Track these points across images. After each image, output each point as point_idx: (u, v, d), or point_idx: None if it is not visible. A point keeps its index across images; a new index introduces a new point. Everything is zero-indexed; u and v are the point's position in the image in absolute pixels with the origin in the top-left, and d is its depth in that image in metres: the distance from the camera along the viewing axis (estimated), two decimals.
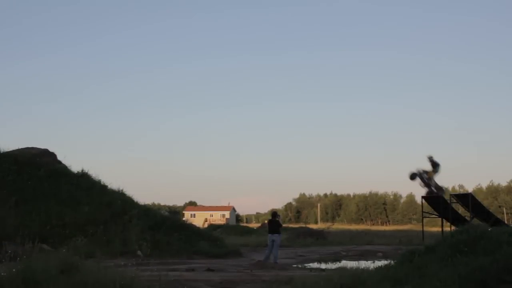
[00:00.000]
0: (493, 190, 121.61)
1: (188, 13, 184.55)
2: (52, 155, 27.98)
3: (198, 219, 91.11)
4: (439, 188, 20.69)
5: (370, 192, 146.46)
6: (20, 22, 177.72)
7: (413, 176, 20.62)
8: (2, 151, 26.04)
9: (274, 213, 21.46)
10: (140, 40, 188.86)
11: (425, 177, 20.64)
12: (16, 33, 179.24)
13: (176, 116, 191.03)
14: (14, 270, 8.77)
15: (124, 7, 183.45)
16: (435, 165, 20.71)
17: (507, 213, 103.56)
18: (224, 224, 68.85)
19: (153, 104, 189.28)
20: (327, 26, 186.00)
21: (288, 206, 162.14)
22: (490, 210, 32.24)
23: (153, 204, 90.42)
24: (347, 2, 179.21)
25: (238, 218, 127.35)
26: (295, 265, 20.22)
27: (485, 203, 55.95)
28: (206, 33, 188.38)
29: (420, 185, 21.13)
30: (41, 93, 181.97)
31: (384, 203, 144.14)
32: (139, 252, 20.08)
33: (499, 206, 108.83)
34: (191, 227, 26.88)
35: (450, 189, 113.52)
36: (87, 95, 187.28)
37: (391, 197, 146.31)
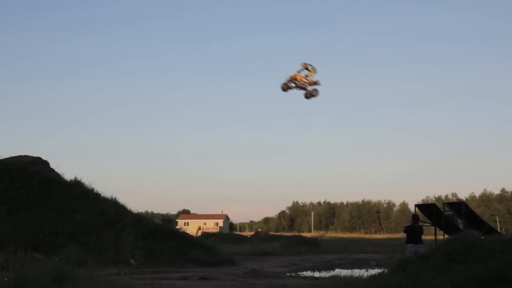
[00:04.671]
0: (485, 199, 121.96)
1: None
2: (45, 163, 27.85)
3: (191, 228, 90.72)
4: (314, 83, 19.67)
5: (363, 201, 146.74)
6: (15, 25, 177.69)
7: (284, 88, 19.66)
8: None
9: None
10: (133, 44, 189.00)
11: (296, 83, 19.77)
12: (9, 35, 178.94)
13: (169, 125, 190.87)
14: (6, 279, 8.72)
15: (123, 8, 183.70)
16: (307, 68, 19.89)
17: (499, 222, 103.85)
18: (217, 233, 68.69)
19: (147, 112, 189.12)
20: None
21: (282, 214, 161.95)
22: (483, 219, 32.30)
23: (146, 213, 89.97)
24: None
25: (231, 226, 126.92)
26: (288, 274, 20.18)
27: (478, 211, 56.07)
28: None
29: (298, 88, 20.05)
30: (34, 100, 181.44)
31: (378, 211, 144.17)
32: (132, 261, 20.02)
33: (492, 215, 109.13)
34: (184, 236, 26.80)
35: (443, 197, 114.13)
36: (80, 102, 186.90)
37: (385, 205, 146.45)
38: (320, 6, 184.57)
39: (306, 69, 18.79)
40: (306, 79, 18.70)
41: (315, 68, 18.91)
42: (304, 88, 18.77)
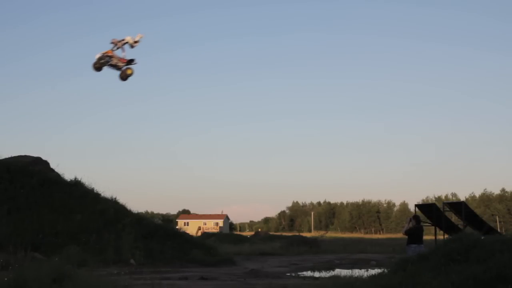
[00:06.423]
0: (485, 199, 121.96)
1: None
2: (45, 163, 27.84)
3: (191, 228, 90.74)
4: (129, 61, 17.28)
5: (363, 201, 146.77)
6: (15, 25, 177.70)
7: (97, 67, 17.08)
8: None
9: None
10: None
11: (109, 60, 17.28)
12: (9, 35, 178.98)
13: (169, 125, 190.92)
14: (6, 279, 8.72)
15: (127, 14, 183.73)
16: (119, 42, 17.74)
17: (499, 222, 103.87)
18: (217, 233, 68.72)
19: (148, 112, 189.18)
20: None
21: (282, 214, 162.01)
22: (483, 219, 32.32)
23: (146, 213, 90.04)
24: None
25: (231, 226, 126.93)
26: (288, 274, 20.19)
27: (477, 211, 56.14)
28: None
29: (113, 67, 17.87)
30: (34, 100, 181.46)
31: (378, 211, 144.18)
32: (132, 261, 20.02)
33: (492, 215, 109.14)
34: (184, 236, 26.82)
35: (443, 197, 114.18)
36: (80, 102, 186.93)
37: (385, 205, 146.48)
38: (319, 6, 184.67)
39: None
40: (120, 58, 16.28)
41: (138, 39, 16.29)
42: (118, 67, 16.64)
